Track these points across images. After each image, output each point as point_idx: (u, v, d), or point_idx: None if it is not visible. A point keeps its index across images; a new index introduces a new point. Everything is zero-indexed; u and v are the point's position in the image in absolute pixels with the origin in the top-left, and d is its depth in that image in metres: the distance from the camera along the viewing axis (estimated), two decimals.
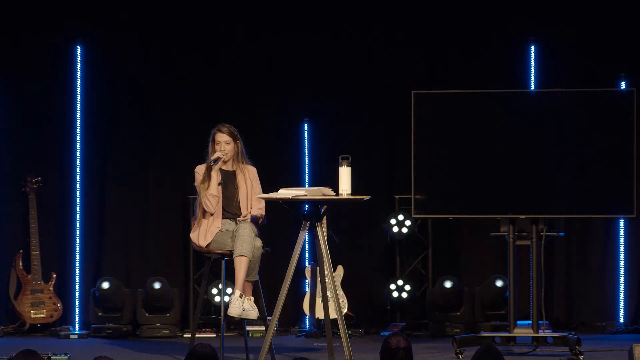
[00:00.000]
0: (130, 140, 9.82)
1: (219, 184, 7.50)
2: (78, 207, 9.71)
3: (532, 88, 9.59)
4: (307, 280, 9.28)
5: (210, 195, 7.47)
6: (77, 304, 9.68)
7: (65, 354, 7.64)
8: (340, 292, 9.08)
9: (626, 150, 8.00)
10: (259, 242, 7.37)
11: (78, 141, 9.73)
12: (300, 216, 7.17)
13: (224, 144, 7.55)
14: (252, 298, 7.34)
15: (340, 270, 9.15)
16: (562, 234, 8.54)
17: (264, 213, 7.57)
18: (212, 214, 7.49)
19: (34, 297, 9.43)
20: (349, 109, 9.78)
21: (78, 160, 9.72)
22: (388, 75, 9.74)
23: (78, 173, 9.72)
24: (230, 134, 7.56)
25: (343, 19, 9.79)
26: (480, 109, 8.18)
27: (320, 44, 9.76)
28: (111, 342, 9.08)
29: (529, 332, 8.08)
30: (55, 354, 7.58)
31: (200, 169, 7.61)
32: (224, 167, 7.58)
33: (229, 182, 7.58)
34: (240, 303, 7.21)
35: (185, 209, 9.65)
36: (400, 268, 9.66)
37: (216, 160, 7.51)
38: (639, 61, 9.46)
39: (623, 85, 9.28)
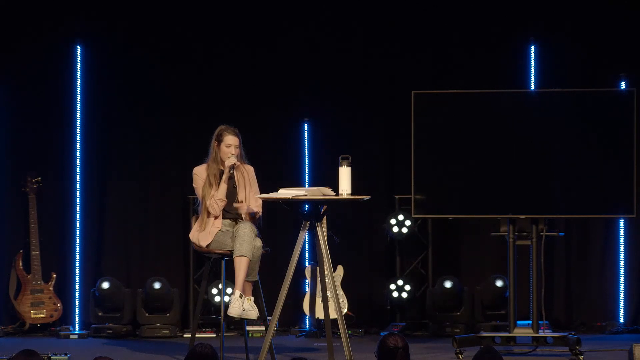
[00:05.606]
0: (130, 140, 9.82)
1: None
2: (78, 207, 9.71)
3: (532, 88, 9.59)
4: (307, 280, 9.28)
5: (219, 200, 7.47)
6: (77, 304, 9.68)
7: (65, 354, 7.65)
8: (340, 292, 9.07)
9: (626, 150, 8.00)
10: (259, 242, 7.37)
11: (78, 141, 9.73)
12: (300, 216, 7.17)
13: (234, 147, 7.52)
14: (252, 298, 7.34)
15: (340, 270, 9.15)
16: (562, 234, 8.54)
17: (260, 211, 7.56)
18: (215, 217, 7.49)
19: (34, 297, 9.43)
20: (349, 109, 9.78)
21: (78, 160, 9.72)
22: (388, 75, 9.74)
23: (78, 173, 9.72)
24: (239, 137, 7.55)
25: (343, 19, 9.79)
26: (480, 109, 8.18)
27: (320, 44, 9.76)
28: (111, 342, 9.08)
29: (529, 332, 8.08)
30: (55, 354, 7.59)
31: (199, 171, 7.60)
32: (223, 168, 7.56)
33: (228, 182, 7.57)
34: (240, 303, 7.21)
35: (185, 209, 9.65)
36: (400, 268, 9.66)
37: (233, 166, 7.48)
38: (639, 61, 9.46)
39: (623, 85, 9.28)
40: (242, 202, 7.50)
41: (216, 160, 7.55)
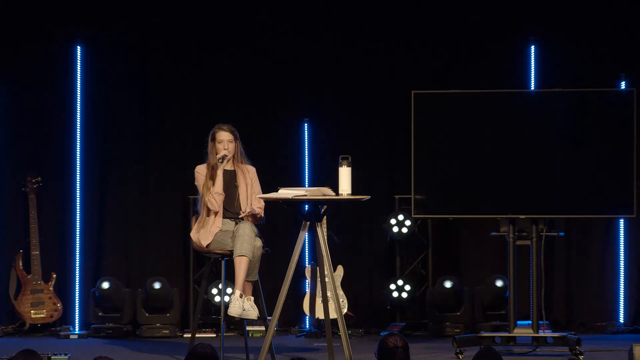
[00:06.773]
0: (130, 140, 9.82)
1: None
2: (78, 207, 9.71)
3: (532, 88, 9.59)
4: (307, 280, 9.28)
5: (216, 194, 7.48)
6: (77, 304, 9.68)
7: (65, 354, 7.64)
8: (340, 292, 9.07)
9: (626, 150, 8.00)
10: (259, 242, 7.37)
11: (78, 141, 9.73)
12: (300, 216, 7.16)
13: (227, 142, 7.55)
14: (252, 298, 7.34)
15: (340, 270, 9.15)
16: (562, 234, 8.55)
17: (262, 213, 7.57)
18: (215, 213, 7.49)
19: (34, 297, 9.43)
20: (349, 109, 9.78)
21: (78, 160, 9.72)
22: (388, 75, 9.74)
23: (78, 173, 9.72)
24: (232, 133, 7.58)
25: (343, 20, 9.78)
26: (480, 109, 8.18)
27: (320, 44, 9.76)
28: (111, 342, 9.08)
29: (529, 332, 8.08)
30: (55, 354, 7.58)
31: (200, 169, 7.62)
32: (225, 167, 7.57)
33: (229, 181, 7.58)
34: (240, 303, 7.21)
35: (186, 209, 9.66)
36: (400, 268, 9.66)
37: (223, 158, 7.51)
38: (639, 61, 9.46)
39: (623, 85, 9.28)
40: (245, 212, 7.50)
41: (213, 159, 7.58)
